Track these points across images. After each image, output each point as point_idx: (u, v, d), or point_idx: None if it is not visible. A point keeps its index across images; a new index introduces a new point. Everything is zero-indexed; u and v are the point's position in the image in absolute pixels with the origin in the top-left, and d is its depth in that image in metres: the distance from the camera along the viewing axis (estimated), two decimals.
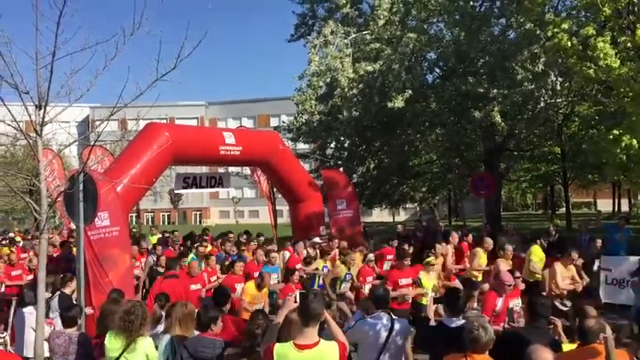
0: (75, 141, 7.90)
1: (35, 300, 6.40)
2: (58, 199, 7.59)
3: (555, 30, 8.81)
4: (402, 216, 54.42)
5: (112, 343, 5.17)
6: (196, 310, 5.62)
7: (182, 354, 5.01)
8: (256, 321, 5.39)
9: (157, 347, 5.32)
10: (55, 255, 12.32)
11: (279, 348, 3.99)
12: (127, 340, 5.09)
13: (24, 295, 7.68)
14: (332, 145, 22.12)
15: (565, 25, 8.82)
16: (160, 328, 6.23)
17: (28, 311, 7.31)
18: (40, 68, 5.40)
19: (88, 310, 8.09)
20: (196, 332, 5.30)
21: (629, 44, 8.32)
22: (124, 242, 9.62)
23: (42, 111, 5.54)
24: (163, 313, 6.37)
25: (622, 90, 8.72)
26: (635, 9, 8.56)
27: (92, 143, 8.33)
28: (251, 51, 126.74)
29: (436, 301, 7.65)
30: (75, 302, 7.58)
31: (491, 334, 4.29)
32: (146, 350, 5.18)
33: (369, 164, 20.44)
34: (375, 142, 21.16)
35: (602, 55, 8.21)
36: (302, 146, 27.25)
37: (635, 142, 7.98)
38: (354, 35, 17.02)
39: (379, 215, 46.22)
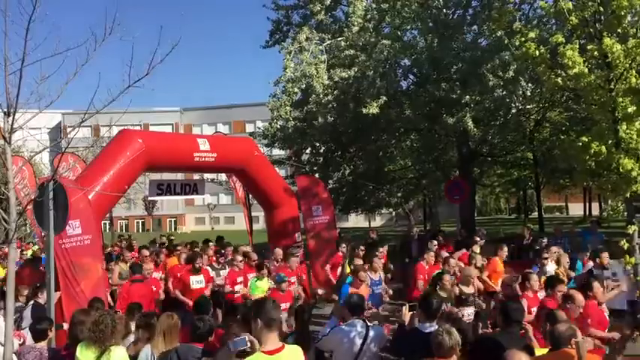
0: (45, 148, 7.78)
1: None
2: (28, 208, 7.45)
3: (523, 39, 8.92)
4: (377, 221, 54.65)
5: (84, 355, 5.05)
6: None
7: (172, 357, 4.94)
8: (232, 331, 5.35)
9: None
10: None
11: None
12: (99, 351, 4.99)
13: None
14: (307, 151, 22.16)
15: (532, 35, 8.93)
16: (131, 338, 6.13)
17: None
18: (9, 74, 5.30)
19: (65, 326, 7.90)
20: (177, 344, 5.24)
21: (595, 52, 8.47)
22: (95, 251, 9.51)
23: (11, 118, 5.44)
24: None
25: (590, 98, 8.87)
26: (602, 18, 8.72)
27: (63, 150, 8.22)
28: (227, 56, 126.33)
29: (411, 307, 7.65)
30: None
31: (456, 339, 4.35)
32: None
33: (345, 170, 20.50)
34: (350, 148, 21.23)
35: (570, 64, 8.33)
36: (277, 152, 27.17)
37: (604, 148, 8.09)
38: (328, 42, 17.05)
39: (355, 221, 46.33)
